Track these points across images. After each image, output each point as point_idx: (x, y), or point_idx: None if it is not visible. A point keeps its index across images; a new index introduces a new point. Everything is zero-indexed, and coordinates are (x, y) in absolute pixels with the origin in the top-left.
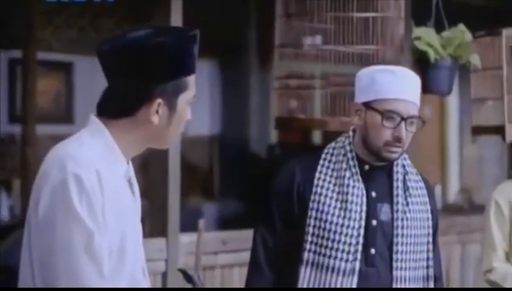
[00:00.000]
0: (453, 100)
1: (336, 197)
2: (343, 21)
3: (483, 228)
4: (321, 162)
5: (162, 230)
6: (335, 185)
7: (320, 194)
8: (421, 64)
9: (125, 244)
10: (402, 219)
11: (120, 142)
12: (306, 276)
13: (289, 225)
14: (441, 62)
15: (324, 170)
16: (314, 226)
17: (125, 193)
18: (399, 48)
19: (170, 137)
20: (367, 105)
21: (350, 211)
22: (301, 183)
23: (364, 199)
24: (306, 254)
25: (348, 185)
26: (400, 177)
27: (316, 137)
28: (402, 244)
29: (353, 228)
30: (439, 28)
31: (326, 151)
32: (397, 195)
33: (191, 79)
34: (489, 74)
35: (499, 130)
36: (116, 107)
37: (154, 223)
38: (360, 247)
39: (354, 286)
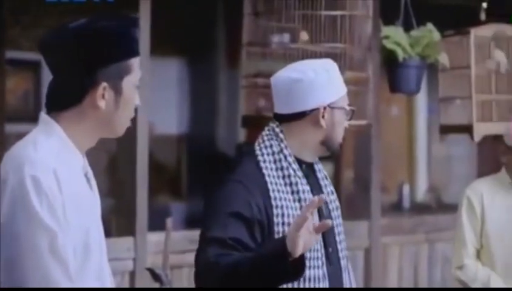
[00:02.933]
0: (421, 99)
1: (295, 206)
2: (310, 19)
3: (454, 225)
4: (265, 172)
5: (130, 229)
6: (287, 193)
7: (281, 207)
8: (390, 63)
9: (89, 239)
10: (333, 210)
11: (72, 135)
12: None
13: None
14: (410, 61)
15: (276, 187)
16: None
17: (84, 188)
18: (367, 47)
19: (120, 123)
20: (332, 106)
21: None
22: (260, 202)
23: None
24: None
25: (298, 191)
26: (321, 169)
27: None
28: (339, 233)
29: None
30: (407, 27)
31: (261, 159)
32: (326, 186)
33: (135, 62)
34: (457, 73)
35: (467, 129)
36: (63, 98)
37: (122, 222)
38: (323, 250)
39: None
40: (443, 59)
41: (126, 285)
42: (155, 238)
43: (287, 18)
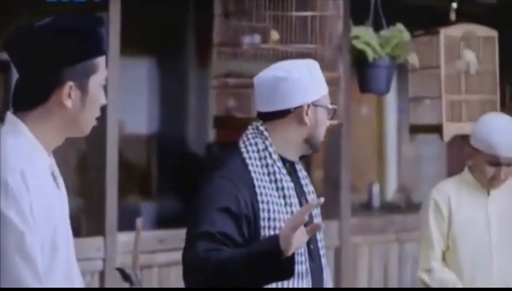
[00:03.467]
0: (391, 99)
1: (280, 202)
2: (281, 20)
3: (420, 226)
4: (251, 169)
5: (99, 228)
6: (272, 189)
7: (267, 203)
8: (359, 63)
9: (57, 238)
10: (292, 213)
11: (39, 135)
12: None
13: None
14: (379, 61)
15: (262, 183)
16: (266, 235)
17: (51, 187)
18: (337, 47)
19: (86, 122)
20: (316, 104)
21: (292, 213)
22: (247, 197)
23: (296, 196)
24: None
25: (283, 188)
26: (302, 169)
27: None
28: (319, 232)
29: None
30: (377, 27)
31: (247, 156)
32: (306, 185)
33: (101, 61)
34: (427, 73)
35: (437, 129)
36: (29, 97)
37: (92, 222)
38: (305, 246)
39: (310, 286)
40: (413, 59)
41: (96, 285)
42: (125, 238)
43: (258, 18)
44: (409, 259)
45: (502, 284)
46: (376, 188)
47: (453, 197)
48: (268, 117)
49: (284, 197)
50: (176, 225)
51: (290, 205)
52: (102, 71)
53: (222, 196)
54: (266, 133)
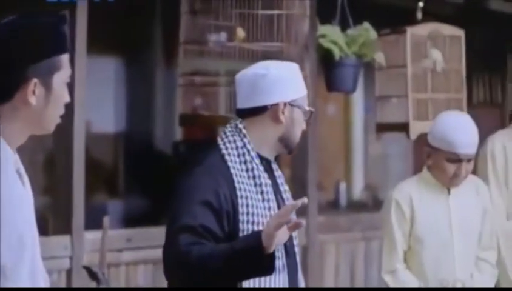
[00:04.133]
0: (358, 98)
1: (258, 198)
2: (248, 18)
3: (382, 227)
4: (230, 164)
5: (66, 227)
6: (251, 185)
7: (246, 198)
8: (326, 62)
9: (23, 236)
10: (270, 208)
11: (4, 132)
12: (247, 282)
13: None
14: (346, 59)
15: (241, 179)
16: (248, 230)
17: (17, 184)
18: (304, 46)
19: (50, 120)
20: (293, 104)
21: (270, 209)
22: (227, 192)
23: (273, 193)
24: None
25: (261, 184)
26: (277, 168)
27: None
28: None
29: None
30: (344, 26)
31: (226, 152)
32: (282, 184)
33: (64, 58)
34: (393, 72)
35: (403, 127)
36: None
37: (58, 220)
38: None
39: (287, 281)
40: (380, 57)
41: (63, 283)
42: (92, 236)
43: (225, 17)
44: (376, 257)
45: (463, 281)
46: (343, 187)
47: (414, 197)
48: (246, 114)
49: (262, 193)
50: (144, 224)
51: (268, 201)
52: (66, 68)
53: (203, 190)
54: (244, 131)
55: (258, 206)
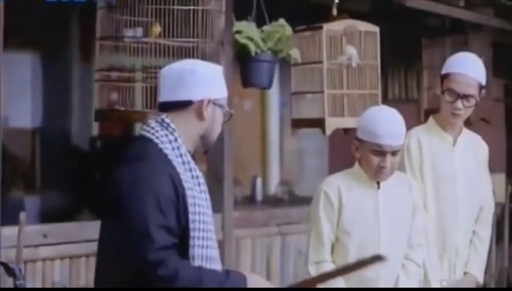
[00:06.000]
0: (274, 94)
1: (197, 189)
2: (164, 14)
3: (307, 219)
4: (170, 158)
5: None
6: (190, 177)
7: (191, 189)
8: (242, 58)
9: None
10: (207, 199)
11: None
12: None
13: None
14: (262, 55)
15: (182, 171)
16: (198, 221)
17: None
18: (219, 42)
19: None
20: (216, 102)
21: (207, 200)
22: (178, 185)
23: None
24: (195, 250)
25: (198, 177)
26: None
27: (138, 129)
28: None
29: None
30: (260, 23)
31: (163, 146)
32: (201, 177)
33: None
34: (309, 68)
35: (319, 123)
36: None
37: None
38: (213, 234)
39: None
40: (295, 54)
41: None
42: (8, 232)
43: (141, 12)
44: (292, 252)
45: (389, 278)
46: (259, 182)
47: (343, 189)
48: (169, 107)
49: (199, 184)
50: (60, 219)
51: (205, 192)
52: None
53: (161, 184)
54: (172, 125)
55: (200, 197)
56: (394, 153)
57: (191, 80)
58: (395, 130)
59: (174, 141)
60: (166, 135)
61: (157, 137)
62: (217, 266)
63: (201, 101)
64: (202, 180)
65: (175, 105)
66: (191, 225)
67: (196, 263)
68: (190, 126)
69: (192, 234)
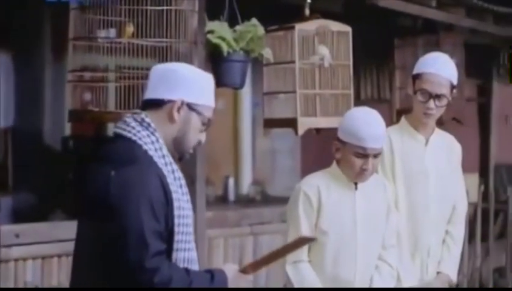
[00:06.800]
0: (246, 94)
1: (181, 191)
2: (137, 14)
3: (287, 218)
4: (155, 160)
5: None
6: (173, 179)
7: (176, 192)
8: (214, 58)
9: None
10: (188, 201)
11: None
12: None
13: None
14: (234, 55)
15: (166, 173)
16: (182, 224)
17: None
18: (192, 42)
19: None
20: (192, 107)
21: (188, 201)
22: (167, 188)
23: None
24: (178, 253)
25: (180, 178)
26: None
27: (111, 130)
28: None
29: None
30: (232, 22)
31: (147, 147)
32: (183, 178)
33: None
34: (281, 68)
35: (291, 123)
36: None
37: None
38: (191, 236)
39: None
40: (267, 53)
41: None
42: None
43: (114, 12)
44: (264, 251)
45: (364, 278)
46: (231, 182)
47: (322, 189)
48: (147, 106)
49: (181, 186)
50: (32, 219)
51: (187, 193)
52: None
53: (155, 188)
54: (153, 125)
55: (183, 200)
56: (375, 156)
57: (169, 79)
58: (378, 132)
59: (156, 142)
60: (148, 136)
61: (140, 138)
62: (196, 267)
63: (173, 102)
64: (183, 181)
65: (151, 103)
66: (175, 229)
67: (179, 266)
68: (163, 127)
69: (176, 238)
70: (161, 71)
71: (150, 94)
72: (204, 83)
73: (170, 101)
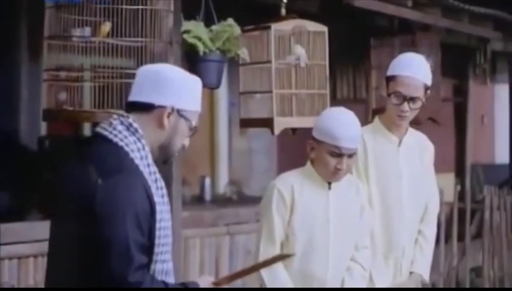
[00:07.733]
0: (222, 94)
1: (163, 201)
2: (112, 13)
3: (256, 218)
4: (141, 169)
5: None
6: (156, 188)
7: (159, 204)
8: (190, 57)
9: None
10: (168, 211)
11: None
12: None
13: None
14: (210, 55)
15: (147, 177)
16: (162, 236)
17: None
18: (168, 41)
19: None
20: (181, 113)
21: (168, 212)
22: (152, 199)
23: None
24: (157, 265)
25: (162, 187)
26: None
27: (86, 129)
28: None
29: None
30: (208, 22)
31: (133, 155)
32: (164, 187)
33: None
34: (257, 68)
35: (267, 123)
36: None
37: None
38: (170, 247)
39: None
40: (244, 53)
41: None
42: None
43: (89, 11)
44: (240, 251)
45: (335, 278)
46: (207, 182)
47: (296, 188)
48: (133, 108)
49: (163, 196)
50: (8, 220)
51: (168, 203)
52: None
53: (141, 200)
54: (140, 131)
55: (164, 210)
56: (350, 156)
57: (159, 82)
58: (354, 133)
59: (142, 149)
60: (135, 142)
61: (127, 145)
62: (171, 279)
63: (164, 108)
64: (165, 191)
65: (138, 107)
66: (156, 241)
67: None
68: (150, 132)
69: (155, 250)
70: (149, 73)
71: (137, 96)
72: (194, 88)
73: (160, 107)
